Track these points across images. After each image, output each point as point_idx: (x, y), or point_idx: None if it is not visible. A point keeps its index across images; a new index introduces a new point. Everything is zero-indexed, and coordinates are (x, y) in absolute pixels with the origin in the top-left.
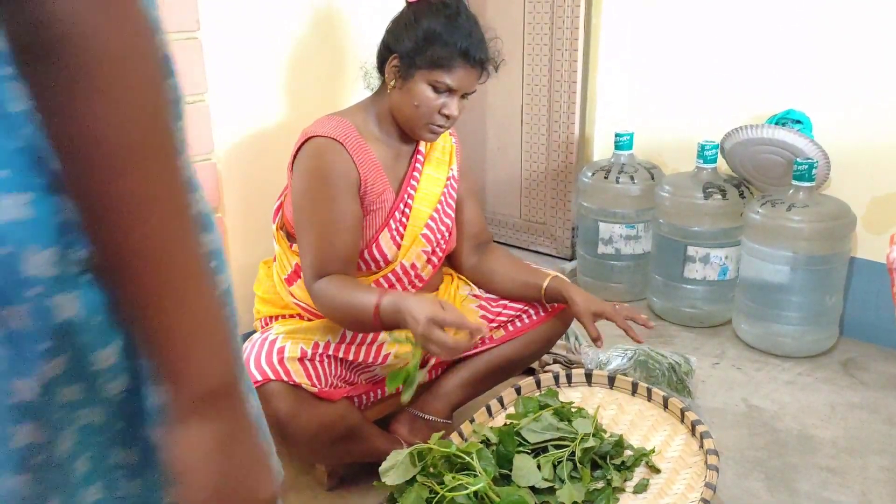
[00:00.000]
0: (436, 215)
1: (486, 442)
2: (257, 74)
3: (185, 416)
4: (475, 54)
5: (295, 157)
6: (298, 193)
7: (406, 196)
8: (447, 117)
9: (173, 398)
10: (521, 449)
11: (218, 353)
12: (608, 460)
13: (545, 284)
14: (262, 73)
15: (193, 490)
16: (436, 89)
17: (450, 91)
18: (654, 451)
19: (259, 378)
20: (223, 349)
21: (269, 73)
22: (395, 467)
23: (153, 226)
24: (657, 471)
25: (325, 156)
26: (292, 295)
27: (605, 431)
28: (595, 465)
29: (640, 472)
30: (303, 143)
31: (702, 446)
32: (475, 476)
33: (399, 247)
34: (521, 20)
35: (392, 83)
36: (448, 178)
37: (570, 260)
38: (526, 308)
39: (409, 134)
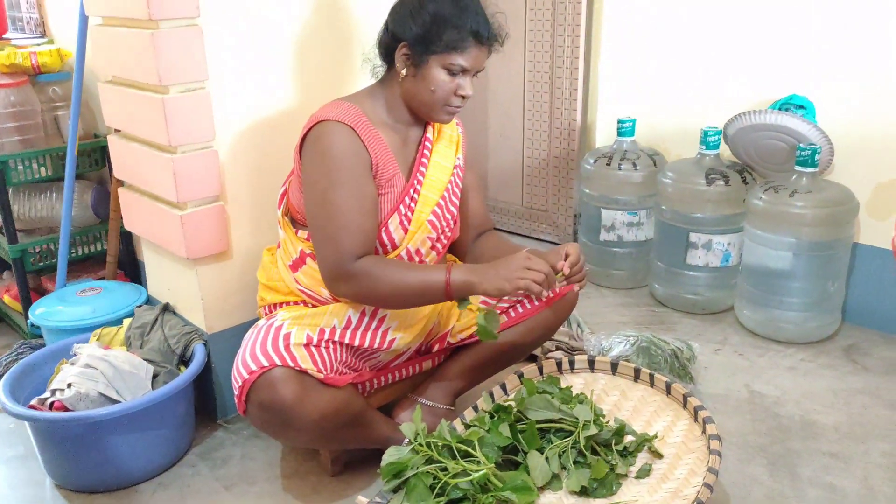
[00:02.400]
0: (442, 202)
1: (494, 414)
2: (259, 61)
3: None
4: (485, 33)
5: (303, 141)
6: (314, 177)
7: (415, 182)
8: (462, 97)
9: None
10: (522, 426)
11: None
12: (612, 446)
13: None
14: (264, 60)
15: None
16: (450, 72)
17: (463, 72)
18: (656, 437)
19: (265, 364)
20: None
21: (271, 60)
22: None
23: None
24: (660, 456)
25: (338, 139)
26: (297, 282)
27: (603, 416)
28: (593, 452)
29: (642, 458)
30: (311, 128)
31: (704, 432)
32: (478, 462)
33: (406, 231)
34: (524, 5)
35: (403, 71)
36: (455, 167)
37: None
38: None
39: (425, 117)
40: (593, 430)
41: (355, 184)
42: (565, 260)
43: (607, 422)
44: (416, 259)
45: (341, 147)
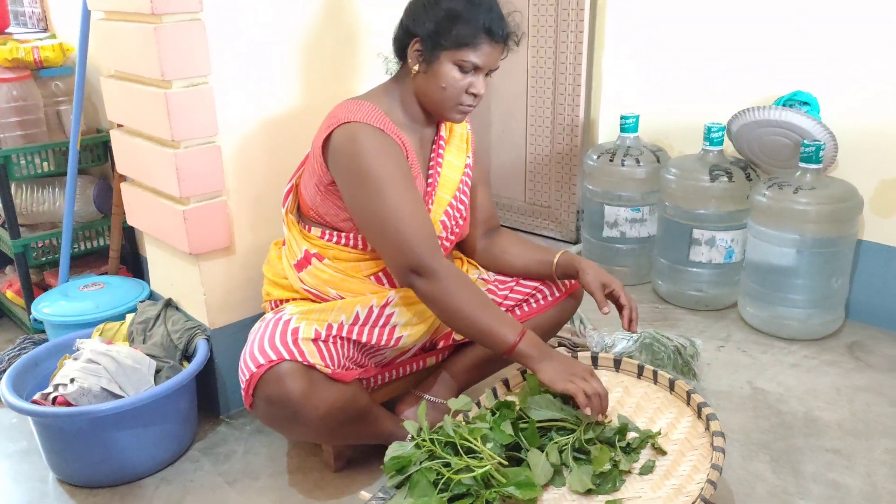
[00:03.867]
0: (454, 202)
1: (496, 411)
2: (262, 56)
3: None
4: (498, 30)
5: (326, 142)
6: (359, 181)
7: (431, 182)
8: (474, 96)
9: None
10: (524, 424)
11: None
12: (615, 444)
13: (556, 259)
14: (267, 55)
15: None
16: (462, 69)
17: (476, 69)
18: (659, 434)
19: (273, 357)
20: None
21: (274, 55)
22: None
23: None
24: (663, 453)
25: (372, 140)
26: (302, 281)
27: (605, 415)
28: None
29: (646, 454)
30: (335, 128)
31: (708, 428)
32: (481, 458)
33: None
34: (527, 1)
35: (416, 67)
36: (466, 165)
37: (575, 243)
38: (533, 292)
39: (437, 116)
40: (593, 432)
41: (406, 178)
42: (619, 308)
43: (609, 421)
44: None
45: (378, 146)
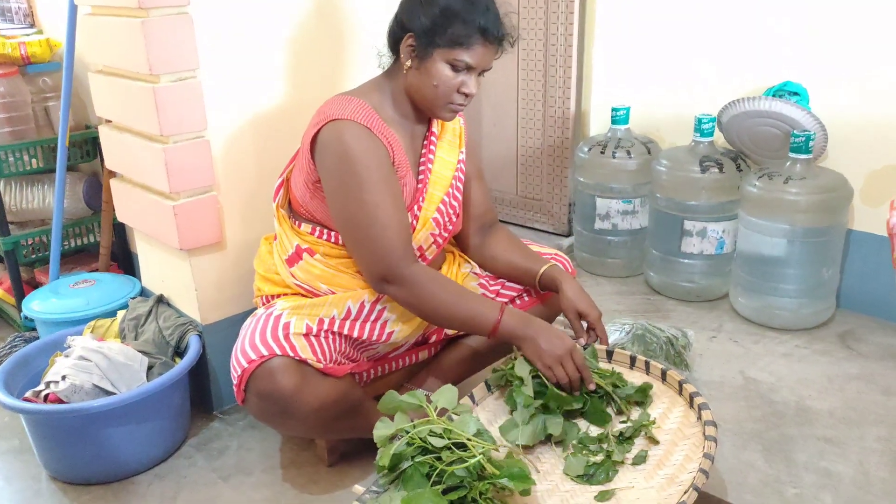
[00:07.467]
0: (446, 198)
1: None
2: (250, 50)
3: None
4: (494, 31)
5: (315, 139)
6: (339, 180)
7: (422, 179)
8: (466, 95)
9: None
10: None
11: None
12: (609, 436)
13: (540, 272)
14: (256, 49)
15: None
16: (454, 68)
17: (468, 69)
18: (652, 423)
19: (265, 353)
20: None
21: (263, 49)
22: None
23: None
24: (656, 442)
25: (356, 139)
26: (293, 276)
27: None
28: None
29: (638, 444)
30: (322, 126)
31: (700, 418)
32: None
33: (413, 230)
34: None
35: (408, 63)
36: (459, 161)
37: (567, 236)
38: (526, 287)
39: (427, 113)
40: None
41: (386, 181)
42: (588, 334)
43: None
44: (418, 254)
45: (362, 146)
